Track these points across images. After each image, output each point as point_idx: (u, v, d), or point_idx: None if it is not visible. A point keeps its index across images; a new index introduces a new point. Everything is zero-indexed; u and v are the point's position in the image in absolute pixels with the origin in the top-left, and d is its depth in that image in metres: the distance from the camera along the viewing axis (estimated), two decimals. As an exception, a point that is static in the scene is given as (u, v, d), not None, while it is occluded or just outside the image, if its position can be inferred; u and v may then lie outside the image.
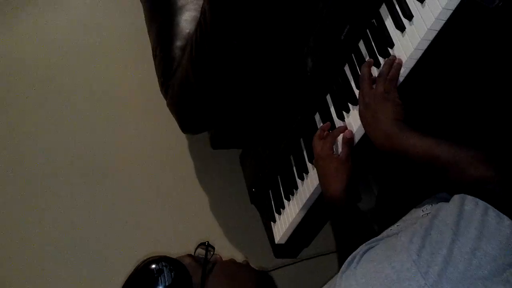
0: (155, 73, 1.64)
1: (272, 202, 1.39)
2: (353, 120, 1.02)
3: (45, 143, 2.01)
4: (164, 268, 0.74)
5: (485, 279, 0.55)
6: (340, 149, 1.03)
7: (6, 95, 2.13)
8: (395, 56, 0.91)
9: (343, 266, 0.65)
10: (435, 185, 0.82)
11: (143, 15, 1.77)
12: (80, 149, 2.00)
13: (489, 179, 0.69)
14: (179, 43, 1.53)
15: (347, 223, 0.99)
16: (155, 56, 1.64)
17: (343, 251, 0.96)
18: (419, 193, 0.84)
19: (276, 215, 1.37)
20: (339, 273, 0.65)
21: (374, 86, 0.93)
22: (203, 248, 0.83)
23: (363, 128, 0.97)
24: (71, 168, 1.96)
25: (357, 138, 1.02)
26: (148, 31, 1.72)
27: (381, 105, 0.90)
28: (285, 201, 1.31)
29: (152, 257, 0.78)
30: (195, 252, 0.84)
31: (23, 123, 2.07)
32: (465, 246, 0.57)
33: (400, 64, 0.90)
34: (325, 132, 1.08)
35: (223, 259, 0.85)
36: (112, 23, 2.29)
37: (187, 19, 1.57)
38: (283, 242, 1.36)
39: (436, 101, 0.98)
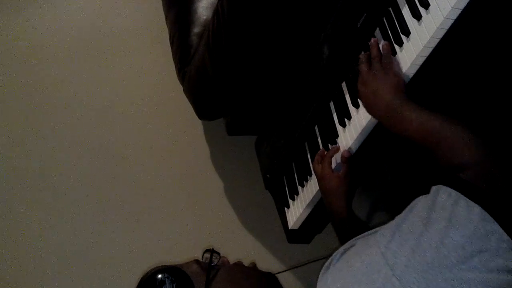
0: (171, 59, 1.66)
1: (286, 188, 1.41)
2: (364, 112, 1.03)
3: (57, 133, 2.01)
4: (166, 279, 0.76)
5: (452, 267, 0.56)
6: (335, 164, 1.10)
7: (24, 81, 2.13)
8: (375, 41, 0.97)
9: (324, 266, 0.68)
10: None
11: (160, 2, 1.79)
12: (92, 138, 1.99)
13: (472, 165, 0.67)
14: (196, 29, 1.55)
15: (349, 232, 1.03)
16: (172, 43, 1.65)
17: None
18: (429, 181, 0.84)
19: (290, 201, 1.39)
20: (321, 272, 0.67)
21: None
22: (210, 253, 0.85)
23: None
24: (82, 159, 1.95)
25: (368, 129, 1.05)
26: (166, 18, 1.73)
27: (381, 80, 0.90)
28: (299, 187, 1.33)
29: (156, 267, 0.80)
30: (202, 257, 0.85)
31: (39, 108, 2.07)
32: (434, 236, 0.58)
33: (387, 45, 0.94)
34: (322, 156, 1.13)
35: (230, 263, 0.86)
36: (129, 10, 2.30)
37: (204, 5, 1.58)
38: (296, 227, 1.38)
39: (450, 90, 0.99)
